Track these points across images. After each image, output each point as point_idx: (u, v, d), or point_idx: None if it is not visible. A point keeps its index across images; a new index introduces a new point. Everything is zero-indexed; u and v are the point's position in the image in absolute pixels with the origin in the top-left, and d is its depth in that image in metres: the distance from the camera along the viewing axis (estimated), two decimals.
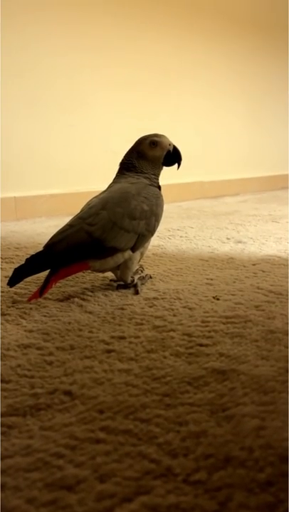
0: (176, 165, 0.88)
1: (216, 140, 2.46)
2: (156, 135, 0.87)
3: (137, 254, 0.83)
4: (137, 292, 0.82)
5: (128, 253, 0.81)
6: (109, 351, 0.58)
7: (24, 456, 0.39)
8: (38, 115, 1.75)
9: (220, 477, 0.36)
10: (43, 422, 0.44)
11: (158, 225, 0.85)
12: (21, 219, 1.70)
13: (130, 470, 0.37)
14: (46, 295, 0.80)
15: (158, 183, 0.89)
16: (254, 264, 1.00)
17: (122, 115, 2.00)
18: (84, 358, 0.57)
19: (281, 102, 2.88)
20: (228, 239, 1.26)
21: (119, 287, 0.84)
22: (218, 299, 0.77)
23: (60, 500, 0.35)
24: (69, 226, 0.78)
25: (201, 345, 0.60)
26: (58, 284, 0.87)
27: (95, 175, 1.94)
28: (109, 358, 0.57)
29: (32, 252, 1.13)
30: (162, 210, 0.86)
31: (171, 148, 0.86)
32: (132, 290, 0.83)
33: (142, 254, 0.86)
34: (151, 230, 0.83)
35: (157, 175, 0.89)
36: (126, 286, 0.84)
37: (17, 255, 1.10)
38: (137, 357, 0.57)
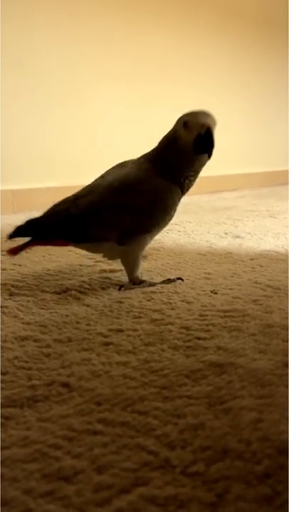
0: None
1: (215, 135, 2.45)
2: (192, 113, 0.70)
3: (135, 250, 0.78)
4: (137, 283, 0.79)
5: (111, 245, 0.77)
6: (107, 344, 0.58)
7: (21, 447, 0.39)
8: (36, 108, 1.73)
9: (217, 469, 0.36)
10: (41, 413, 0.44)
11: (158, 222, 0.77)
12: (18, 212, 1.69)
13: (128, 461, 0.37)
14: (43, 287, 0.80)
15: (182, 179, 0.74)
16: (252, 259, 1.00)
17: (120, 108, 1.99)
18: (81, 351, 0.56)
19: (281, 97, 2.87)
20: (226, 234, 1.26)
21: (120, 288, 0.79)
22: (215, 293, 0.77)
23: (57, 491, 0.34)
24: (61, 202, 0.80)
25: (199, 338, 0.60)
26: (55, 276, 0.87)
27: (93, 168, 1.92)
28: (107, 351, 0.56)
29: None
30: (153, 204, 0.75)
31: (203, 131, 0.69)
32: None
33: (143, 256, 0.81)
34: (144, 228, 0.76)
35: (185, 169, 0.73)
36: (131, 287, 0.79)
37: None
38: (135, 350, 0.57)
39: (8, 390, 0.48)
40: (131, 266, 0.80)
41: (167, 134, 0.77)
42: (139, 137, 2.08)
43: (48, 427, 0.42)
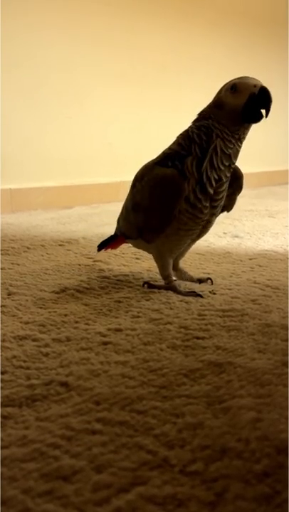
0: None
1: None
2: (242, 77, 0.65)
3: (160, 249, 0.74)
4: (175, 290, 0.76)
5: (143, 243, 0.76)
6: (105, 343, 0.58)
7: (20, 446, 0.39)
8: (35, 107, 1.73)
9: (216, 468, 0.36)
10: (39, 412, 0.44)
11: (157, 218, 0.70)
12: (17, 211, 1.69)
13: (126, 461, 0.37)
14: (42, 287, 0.80)
15: (235, 144, 0.65)
16: (251, 259, 1.00)
17: (119, 108, 1.98)
18: (80, 350, 0.56)
19: (280, 96, 2.87)
20: (224, 233, 1.26)
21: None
22: (214, 294, 0.77)
23: (56, 491, 0.34)
24: None
25: (197, 338, 0.60)
26: (54, 276, 0.87)
27: (92, 167, 1.93)
28: (105, 350, 0.56)
29: (27, 244, 1.12)
30: (160, 200, 0.68)
31: (256, 91, 0.63)
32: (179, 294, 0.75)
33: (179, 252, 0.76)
34: (153, 226, 0.71)
35: (236, 133, 0.65)
36: (158, 286, 0.78)
37: (12, 247, 1.09)
38: (134, 349, 0.57)
39: (6, 389, 0.48)
40: (159, 264, 0.77)
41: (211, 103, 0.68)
42: (139, 137, 2.08)
43: (47, 426, 0.42)
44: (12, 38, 1.64)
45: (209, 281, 0.80)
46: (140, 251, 1.02)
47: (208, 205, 0.69)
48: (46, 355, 0.55)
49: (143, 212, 0.73)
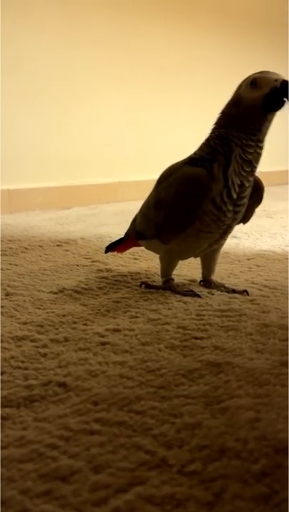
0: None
1: None
2: (262, 72, 0.65)
3: (173, 249, 0.74)
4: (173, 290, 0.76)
5: (159, 244, 0.76)
6: (103, 344, 0.58)
7: (18, 447, 0.39)
8: (34, 109, 1.73)
9: (215, 468, 0.36)
10: (37, 413, 0.44)
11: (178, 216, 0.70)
12: (15, 212, 1.68)
13: (125, 461, 0.37)
14: (40, 287, 0.80)
15: (255, 148, 0.66)
16: (249, 259, 1.00)
17: (118, 109, 1.98)
18: (78, 350, 0.56)
19: None
20: None
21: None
22: (212, 294, 0.77)
23: (54, 491, 0.34)
24: None
25: (195, 338, 0.60)
26: (52, 276, 0.87)
27: (90, 168, 1.93)
28: (103, 351, 0.56)
29: (26, 245, 1.12)
30: (183, 198, 0.68)
31: (277, 84, 0.62)
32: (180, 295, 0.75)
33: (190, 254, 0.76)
34: (174, 225, 0.71)
35: (254, 132, 0.65)
36: (156, 286, 0.78)
37: (10, 248, 1.09)
38: (132, 349, 0.57)
39: (4, 390, 0.47)
40: (164, 264, 0.77)
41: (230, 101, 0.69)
42: (137, 138, 2.08)
43: (45, 426, 0.42)
44: (12, 41, 1.64)
45: (245, 293, 0.75)
46: (139, 251, 1.03)
47: (231, 209, 0.69)
48: (44, 355, 0.55)
49: (166, 209, 0.72)
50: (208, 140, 0.71)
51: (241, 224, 0.77)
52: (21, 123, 1.71)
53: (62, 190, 1.82)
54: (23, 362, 0.53)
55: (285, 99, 0.62)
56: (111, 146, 1.93)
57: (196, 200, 0.68)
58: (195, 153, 0.72)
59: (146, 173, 2.01)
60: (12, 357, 0.54)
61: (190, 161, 0.71)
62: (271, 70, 0.65)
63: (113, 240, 0.92)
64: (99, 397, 0.46)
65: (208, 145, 0.70)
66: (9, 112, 1.67)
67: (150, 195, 0.79)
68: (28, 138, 1.73)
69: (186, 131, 2.28)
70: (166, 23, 2.14)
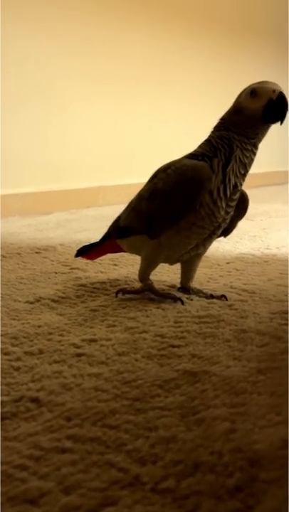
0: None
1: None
2: (261, 82, 0.68)
3: (159, 245, 0.73)
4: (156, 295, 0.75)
5: (144, 240, 0.74)
6: (79, 355, 0.57)
7: None
8: (12, 112, 1.70)
9: (188, 484, 0.35)
10: (8, 432, 0.42)
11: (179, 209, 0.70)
12: None
13: (97, 480, 0.36)
14: (16, 297, 0.78)
15: (253, 148, 0.70)
16: (228, 263, 1.00)
17: (97, 113, 1.97)
18: (53, 363, 0.55)
19: None
20: None
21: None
22: (191, 300, 0.76)
23: None
24: None
25: (173, 346, 0.59)
26: (29, 285, 0.85)
27: (71, 173, 1.91)
28: (79, 362, 0.55)
29: (4, 252, 1.10)
30: (187, 190, 0.68)
31: (274, 96, 0.66)
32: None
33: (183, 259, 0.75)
34: (167, 215, 0.70)
35: (252, 135, 0.69)
36: (135, 291, 0.77)
37: None
38: (108, 360, 0.55)
39: None
40: (145, 263, 0.75)
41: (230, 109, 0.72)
42: (118, 142, 2.07)
43: (15, 446, 0.40)
44: None
45: (223, 298, 0.75)
46: (119, 257, 1.01)
47: (224, 207, 0.71)
48: (17, 369, 0.54)
49: (162, 198, 0.72)
50: (209, 140, 0.73)
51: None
52: None
53: (43, 195, 1.80)
54: None
55: (284, 111, 0.66)
56: (91, 150, 1.92)
57: (195, 188, 0.69)
58: (195, 150, 0.74)
59: (127, 177, 2.01)
60: None
61: (190, 156, 0.73)
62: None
63: (86, 244, 0.89)
64: (72, 412, 0.45)
65: (209, 144, 0.72)
66: None
67: (142, 189, 0.78)
68: (6, 143, 1.70)
69: (168, 135, 2.29)
70: (147, 28, 2.14)
